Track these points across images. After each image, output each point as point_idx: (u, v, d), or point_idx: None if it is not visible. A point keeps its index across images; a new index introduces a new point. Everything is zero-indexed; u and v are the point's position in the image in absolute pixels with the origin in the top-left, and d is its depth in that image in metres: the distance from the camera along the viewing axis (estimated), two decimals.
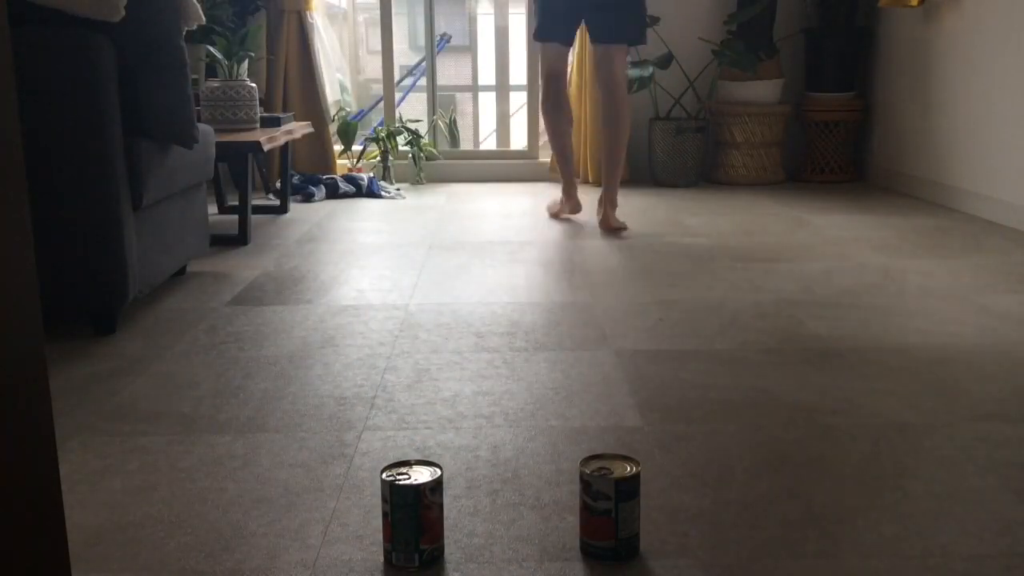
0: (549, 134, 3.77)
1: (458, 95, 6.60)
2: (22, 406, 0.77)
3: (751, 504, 1.38)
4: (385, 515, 1.22)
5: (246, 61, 3.66)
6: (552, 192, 4.56)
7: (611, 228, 3.53)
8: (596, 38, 3.56)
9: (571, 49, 3.78)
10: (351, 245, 3.32)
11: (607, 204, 3.56)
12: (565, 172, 3.78)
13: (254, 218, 3.81)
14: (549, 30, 3.59)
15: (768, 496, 1.41)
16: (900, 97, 4.43)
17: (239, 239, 3.35)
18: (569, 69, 4.43)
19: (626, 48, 3.57)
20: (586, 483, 1.22)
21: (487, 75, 6.06)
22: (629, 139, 3.77)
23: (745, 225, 3.61)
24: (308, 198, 4.37)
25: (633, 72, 4.45)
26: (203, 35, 3.84)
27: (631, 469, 1.23)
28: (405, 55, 6.88)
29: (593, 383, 1.90)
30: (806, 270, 2.85)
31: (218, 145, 3.20)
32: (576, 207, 3.82)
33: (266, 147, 3.37)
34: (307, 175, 4.64)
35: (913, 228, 3.50)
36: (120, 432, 1.67)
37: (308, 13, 4.75)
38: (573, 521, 1.32)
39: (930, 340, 2.16)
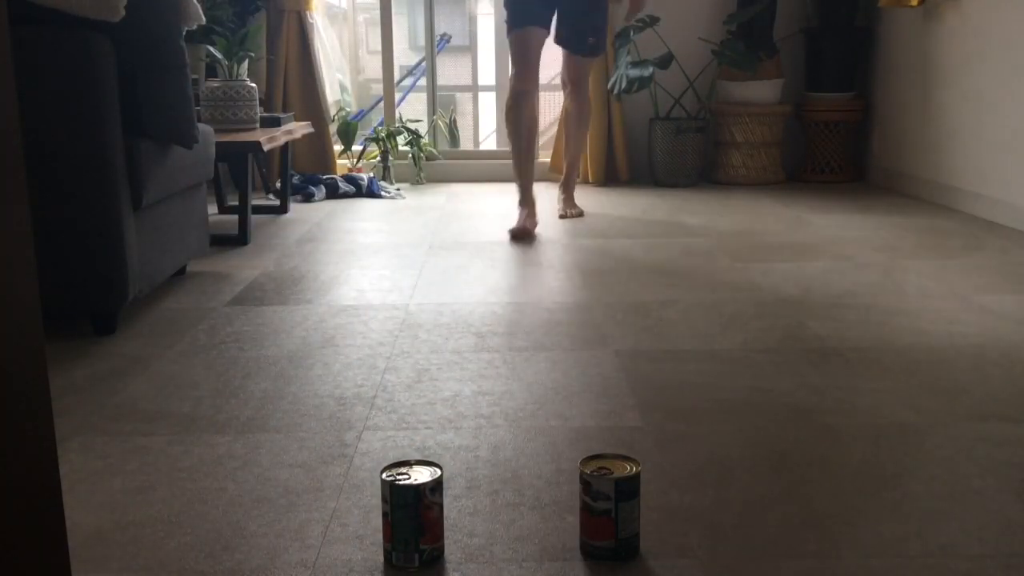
0: (514, 135, 3.58)
1: (458, 95, 6.60)
2: (22, 406, 0.77)
3: (751, 504, 1.38)
4: (385, 515, 1.22)
5: (246, 61, 3.66)
6: (553, 193, 4.55)
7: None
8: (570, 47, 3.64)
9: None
10: (351, 245, 3.32)
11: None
12: (526, 179, 3.61)
13: (254, 218, 3.81)
14: (524, 15, 3.45)
15: (768, 496, 1.41)
16: (900, 97, 4.43)
17: (239, 239, 3.35)
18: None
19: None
20: (586, 483, 1.22)
21: (487, 75, 6.07)
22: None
23: (745, 225, 3.61)
24: (308, 198, 4.37)
25: (633, 72, 4.45)
26: (203, 35, 3.84)
27: (631, 469, 1.23)
28: (405, 55, 6.88)
29: (593, 383, 1.90)
30: (806, 270, 2.85)
31: (218, 145, 3.20)
32: (533, 221, 3.52)
33: (266, 147, 3.37)
34: (307, 175, 4.64)
35: (913, 228, 3.50)
36: (120, 432, 1.67)
37: (308, 13, 4.75)
38: (573, 521, 1.32)
39: (930, 340, 2.16)
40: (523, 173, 3.57)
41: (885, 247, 3.17)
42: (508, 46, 3.53)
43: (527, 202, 3.55)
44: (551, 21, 3.52)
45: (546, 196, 4.45)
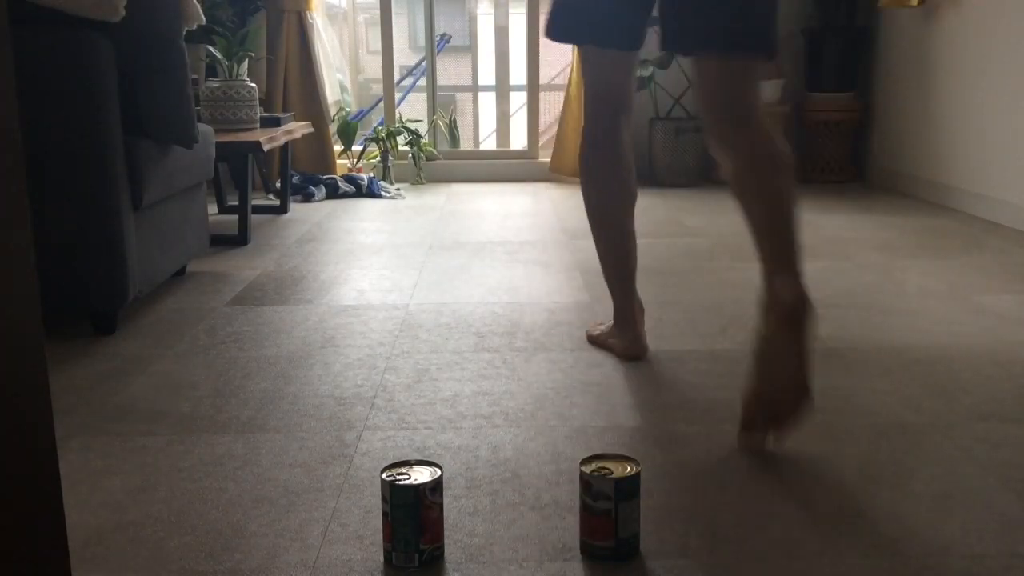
0: (592, 214, 2.05)
1: (458, 95, 6.60)
2: (22, 406, 0.77)
3: (751, 504, 1.38)
4: (385, 515, 1.22)
5: (246, 61, 3.66)
6: (553, 193, 4.55)
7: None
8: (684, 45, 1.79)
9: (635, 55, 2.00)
10: (351, 245, 3.32)
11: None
12: (617, 289, 2.10)
13: (254, 218, 3.81)
14: (580, 25, 1.92)
15: (768, 496, 1.41)
16: (900, 97, 4.43)
17: (239, 239, 3.35)
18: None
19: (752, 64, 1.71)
20: (586, 483, 1.22)
21: (487, 75, 6.07)
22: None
23: (745, 225, 3.61)
24: (308, 198, 4.37)
25: None
26: (203, 35, 3.84)
27: (631, 469, 1.23)
28: (405, 55, 6.89)
29: (593, 383, 1.90)
30: (806, 270, 2.84)
31: (218, 145, 3.20)
32: (636, 348, 2.06)
33: (266, 147, 3.37)
34: (307, 175, 4.64)
35: (913, 228, 3.50)
36: (120, 432, 1.67)
37: (308, 13, 4.75)
38: (573, 521, 1.32)
39: (930, 340, 2.16)
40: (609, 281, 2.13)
41: (885, 247, 3.17)
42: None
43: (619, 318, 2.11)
44: (637, 30, 1.96)
45: (547, 196, 4.44)
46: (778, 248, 1.63)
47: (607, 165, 1.97)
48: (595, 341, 2.16)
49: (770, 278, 1.59)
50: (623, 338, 2.07)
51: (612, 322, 2.13)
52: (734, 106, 1.68)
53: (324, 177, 4.58)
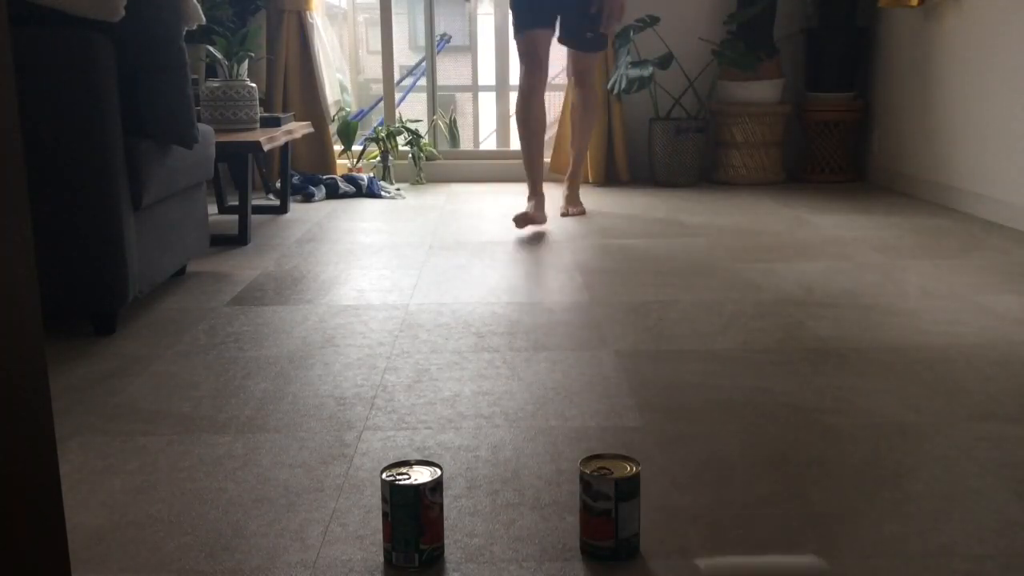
0: (525, 130, 3.72)
1: (458, 95, 6.60)
2: (22, 406, 0.77)
3: (751, 504, 1.38)
4: (385, 515, 1.22)
5: (246, 61, 3.66)
6: (551, 192, 4.56)
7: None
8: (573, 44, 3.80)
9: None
10: (351, 245, 3.32)
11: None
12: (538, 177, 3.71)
13: (254, 218, 3.81)
14: (531, 18, 3.60)
15: (768, 496, 1.41)
16: (900, 97, 4.43)
17: (239, 239, 3.35)
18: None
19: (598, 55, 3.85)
20: (586, 483, 1.22)
21: (487, 75, 6.06)
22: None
23: (745, 225, 3.61)
24: (308, 198, 4.37)
25: (633, 72, 4.45)
26: (203, 35, 3.84)
27: (631, 469, 1.23)
28: (405, 55, 6.89)
29: (593, 383, 1.90)
30: (806, 270, 2.85)
31: (218, 145, 3.20)
32: (542, 217, 3.61)
33: (266, 147, 3.37)
34: (307, 175, 4.64)
35: (913, 228, 3.50)
36: (120, 432, 1.67)
37: (308, 13, 4.75)
38: (573, 521, 1.32)
39: (930, 340, 2.16)
40: (533, 167, 3.70)
41: (885, 247, 3.17)
42: (516, 48, 3.70)
43: (536, 195, 3.67)
44: (555, 21, 3.68)
45: (549, 196, 4.45)
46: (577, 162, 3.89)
47: (536, 108, 3.70)
48: (524, 222, 3.50)
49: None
50: (537, 213, 3.58)
51: (531, 203, 3.63)
52: (589, 72, 3.86)
53: (324, 177, 4.58)
